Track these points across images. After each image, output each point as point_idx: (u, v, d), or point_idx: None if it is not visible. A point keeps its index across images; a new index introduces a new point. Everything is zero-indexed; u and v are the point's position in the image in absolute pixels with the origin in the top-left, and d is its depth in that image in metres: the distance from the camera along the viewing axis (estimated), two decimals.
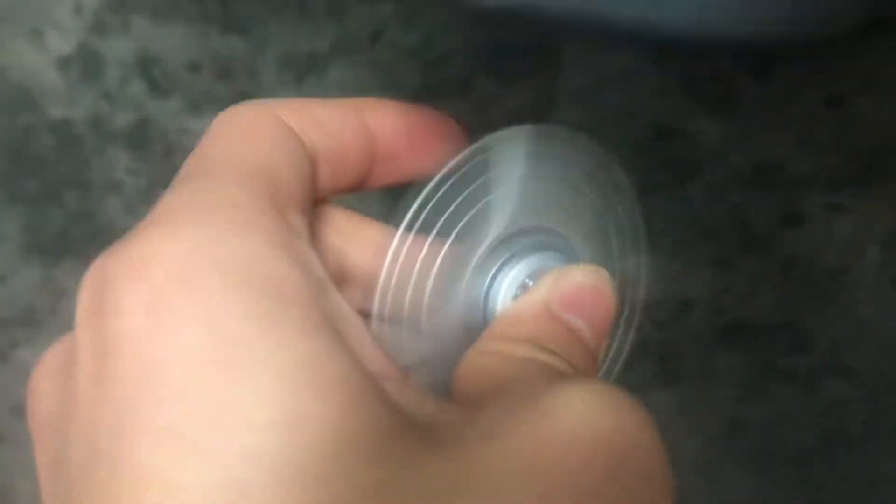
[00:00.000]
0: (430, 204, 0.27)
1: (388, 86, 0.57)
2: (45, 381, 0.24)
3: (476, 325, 0.28)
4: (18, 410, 0.59)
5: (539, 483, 0.20)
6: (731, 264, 0.55)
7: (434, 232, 0.28)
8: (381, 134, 0.29)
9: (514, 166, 0.29)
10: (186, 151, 0.28)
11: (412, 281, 0.28)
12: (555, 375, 0.25)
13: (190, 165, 0.26)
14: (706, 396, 0.57)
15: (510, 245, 0.29)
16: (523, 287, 0.28)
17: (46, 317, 0.56)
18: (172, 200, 0.24)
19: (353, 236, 0.30)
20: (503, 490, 0.20)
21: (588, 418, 0.21)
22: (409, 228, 0.27)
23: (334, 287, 0.26)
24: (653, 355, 0.57)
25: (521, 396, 0.23)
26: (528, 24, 0.24)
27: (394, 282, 0.27)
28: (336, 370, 0.21)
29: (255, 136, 0.26)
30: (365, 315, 0.29)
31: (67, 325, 0.24)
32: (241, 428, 0.19)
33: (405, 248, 0.27)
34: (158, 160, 0.53)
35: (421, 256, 0.27)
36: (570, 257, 0.30)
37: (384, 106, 0.30)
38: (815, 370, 0.55)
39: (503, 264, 0.29)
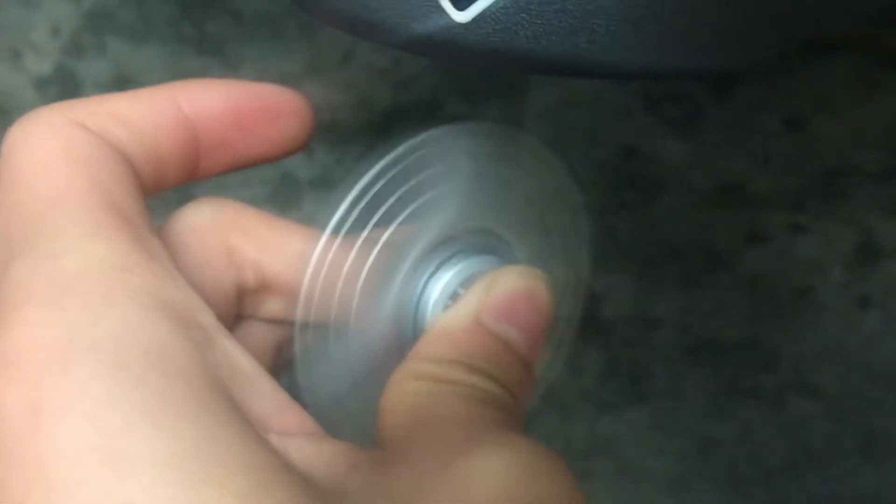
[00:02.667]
0: (359, 206, 0.25)
1: (359, 105, 0.56)
2: None
3: (407, 340, 0.27)
4: None
5: None
6: (696, 283, 0.56)
7: (362, 236, 0.26)
8: (201, 121, 0.26)
9: (451, 165, 0.27)
10: None
11: (336, 293, 0.26)
12: (483, 406, 0.23)
13: (9, 219, 0.22)
14: (676, 414, 0.57)
15: (444, 249, 0.27)
16: (455, 296, 0.27)
17: None
18: (22, 276, 0.21)
19: (272, 246, 0.27)
20: None
21: (503, 486, 0.20)
22: (334, 233, 0.25)
23: (223, 331, 0.23)
24: (622, 374, 0.57)
25: (441, 447, 0.21)
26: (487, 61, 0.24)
27: (317, 295, 0.26)
28: (230, 450, 0.19)
29: (66, 158, 0.23)
30: (289, 323, 0.27)
31: None
32: None
33: (330, 256, 0.25)
34: None
35: (347, 265, 0.26)
36: (509, 260, 0.28)
37: (201, 88, 0.26)
38: (781, 388, 0.56)
39: (435, 271, 0.27)
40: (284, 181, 0.55)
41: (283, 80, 0.53)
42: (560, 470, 0.21)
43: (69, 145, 0.23)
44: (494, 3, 0.22)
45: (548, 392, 0.29)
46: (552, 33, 0.22)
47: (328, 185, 0.56)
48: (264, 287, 0.28)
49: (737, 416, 0.57)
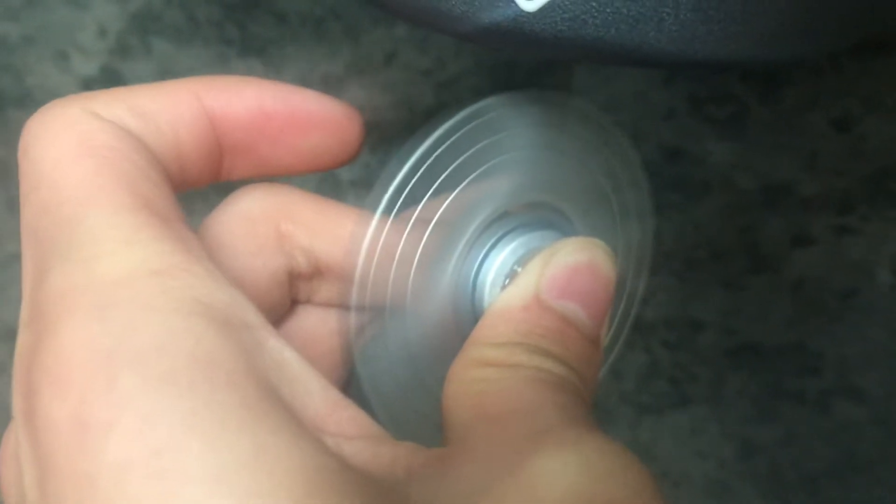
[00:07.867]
0: (411, 183, 0.24)
1: (401, 106, 0.56)
2: (8, 467, 0.22)
3: (466, 321, 0.26)
4: None
5: None
6: (740, 286, 0.55)
7: (415, 214, 0.25)
8: (226, 121, 0.25)
9: (510, 134, 0.26)
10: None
11: (391, 275, 0.25)
12: (549, 390, 0.22)
13: (40, 223, 0.22)
14: (718, 418, 0.57)
15: (500, 225, 0.26)
16: (512, 274, 0.26)
17: None
18: (59, 286, 0.20)
19: (324, 231, 0.27)
20: None
21: (572, 490, 0.19)
22: (388, 207, 0.24)
23: (270, 329, 0.22)
24: (664, 377, 0.57)
25: (506, 444, 0.21)
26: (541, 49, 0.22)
27: (371, 277, 0.25)
28: (283, 459, 0.19)
29: (88, 153, 0.22)
30: (345, 307, 0.26)
31: None
32: None
33: (383, 236, 0.24)
34: None
35: (400, 245, 0.25)
36: (567, 234, 0.27)
37: (226, 85, 0.25)
38: (825, 392, 0.55)
39: (491, 248, 0.26)
40: (326, 181, 0.55)
41: (325, 80, 0.53)
42: (632, 468, 0.20)
43: (88, 137, 0.22)
44: None
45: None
46: (621, 22, 0.21)
47: (370, 186, 0.56)
48: (318, 273, 0.28)
49: (780, 421, 0.57)
